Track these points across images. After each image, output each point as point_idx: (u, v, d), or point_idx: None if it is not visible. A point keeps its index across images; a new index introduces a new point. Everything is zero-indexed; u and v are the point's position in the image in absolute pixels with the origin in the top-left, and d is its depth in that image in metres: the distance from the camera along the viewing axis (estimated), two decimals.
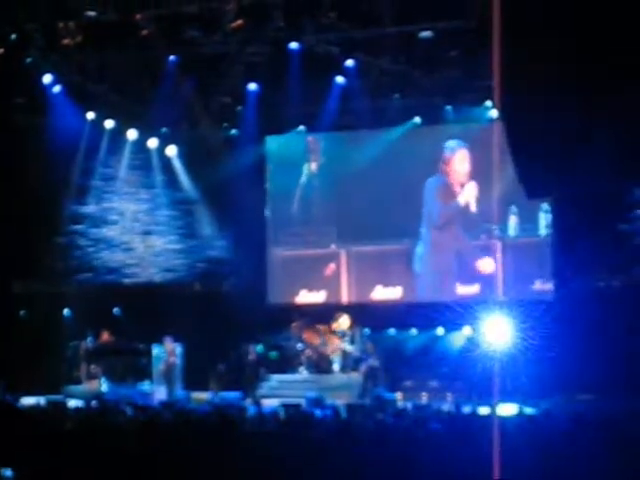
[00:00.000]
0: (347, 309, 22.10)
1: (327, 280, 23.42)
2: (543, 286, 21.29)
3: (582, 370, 19.28)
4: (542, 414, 11.97)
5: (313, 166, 23.70)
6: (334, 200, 23.29)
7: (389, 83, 21.73)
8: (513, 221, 21.67)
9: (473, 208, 21.98)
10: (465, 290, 22.08)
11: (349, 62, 20.34)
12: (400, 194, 22.55)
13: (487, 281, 21.68)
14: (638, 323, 19.06)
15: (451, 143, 22.36)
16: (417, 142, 22.52)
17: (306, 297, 23.48)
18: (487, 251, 21.83)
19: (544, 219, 21.44)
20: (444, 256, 22.38)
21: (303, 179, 23.71)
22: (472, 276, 21.97)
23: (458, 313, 21.16)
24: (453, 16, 17.92)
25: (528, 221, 21.56)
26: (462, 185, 22.28)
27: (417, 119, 22.28)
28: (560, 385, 19.57)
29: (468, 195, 22.10)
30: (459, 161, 22.34)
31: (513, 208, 21.54)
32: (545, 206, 21.27)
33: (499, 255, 21.70)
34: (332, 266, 23.41)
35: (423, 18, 18.35)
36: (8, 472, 10.00)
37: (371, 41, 19.79)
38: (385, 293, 22.86)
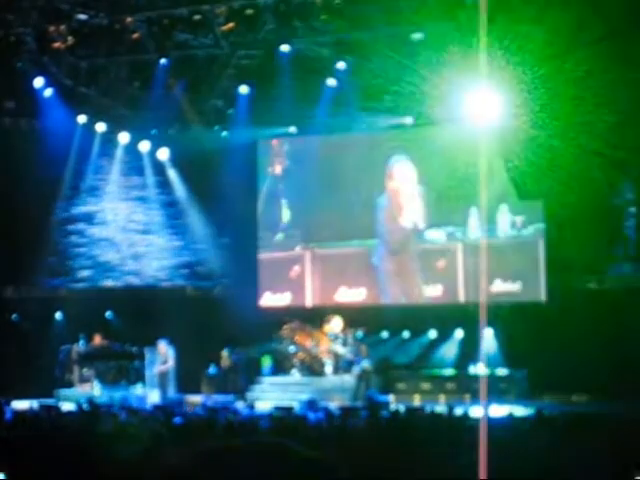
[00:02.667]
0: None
1: (292, 282, 23.39)
2: (503, 286, 21.27)
3: (575, 371, 19.31)
4: (535, 415, 11.97)
5: (277, 169, 23.68)
6: (299, 202, 23.30)
7: (381, 85, 21.71)
8: (473, 223, 21.67)
9: (421, 226, 21.97)
10: (429, 292, 22.04)
11: (340, 64, 20.33)
12: (365, 196, 22.53)
13: (450, 283, 21.66)
14: (630, 323, 19.10)
15: (394, 157, 22.34)
16: (381, 147, 22.49)
17: (270, 300, 23.50)
18: (447, 253, 21.83)
19: (502, 220, 21.37)
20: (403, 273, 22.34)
21: (267, 182, 23.72)
22: (434, 278, 21.95)
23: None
24: (444, 17, 17.91)
25: (487, 222, 21.48)
26: (409, 198, 22.21)
27: (409, 120, 22.22)
28: (553, 386, 19.61)
29: (413, 216, 22.05)
30: (400, 174, 22.27)
31: (473, 210, 21.52)
32: (503, 207, 21.24)
33: (460, 257, 21.68)
34: (297, 268, 23.38)
35: (414, 20, 18.36)
36: (1, 476, 9.98)
37: (362, 43, 19.79)
38: (349, 295, 22.84)
